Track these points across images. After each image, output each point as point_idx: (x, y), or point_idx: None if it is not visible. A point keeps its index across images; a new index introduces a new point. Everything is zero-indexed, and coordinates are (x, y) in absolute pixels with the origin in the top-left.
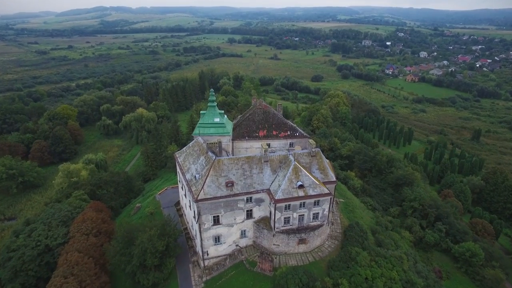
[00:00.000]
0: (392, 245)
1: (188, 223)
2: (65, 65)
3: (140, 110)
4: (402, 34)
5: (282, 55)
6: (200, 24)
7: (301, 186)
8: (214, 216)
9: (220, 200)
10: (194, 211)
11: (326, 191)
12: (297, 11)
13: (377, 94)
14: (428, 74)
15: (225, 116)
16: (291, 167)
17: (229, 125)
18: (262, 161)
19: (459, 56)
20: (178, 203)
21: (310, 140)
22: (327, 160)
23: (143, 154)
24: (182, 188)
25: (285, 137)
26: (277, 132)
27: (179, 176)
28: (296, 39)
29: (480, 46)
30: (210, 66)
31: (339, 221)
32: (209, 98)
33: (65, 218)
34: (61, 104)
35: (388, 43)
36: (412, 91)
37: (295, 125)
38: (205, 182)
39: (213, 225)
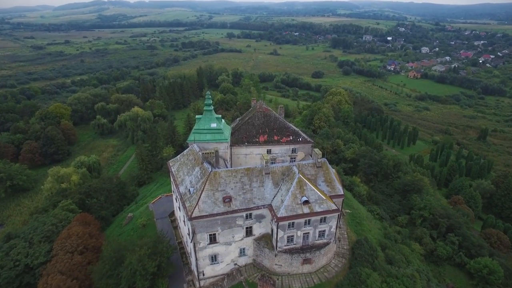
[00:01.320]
0: (403, 261)
1: (183, 237)
2: (61, 60)
3: (135, 109)
4: (403, 29)
5: (282, 51)
6: (199, 19)
7: (306, 202)
8: (210, 235)
9: (217, 217)
10: (189, 229)
11: (334, 207)
12: (297, 5)
13: (379, 91)
14: (431, 71)
15: (223, 120)
16: (295, 180)
17: (227, 131)
18: (263, 173)
19: (461, 52)
20: (172, 213)
21: (316, 150)
22: (334, 170)
23: (137, 157)
24: (176, 199)
25: (287, 143)
26: (278, 137)
27: (173, 186)
28: (296, 34)
29: (482, 42)
30: (208, 62)
31: (346, 235)
32: (205, 102)
33: (49, 233)
34: (54, 102)
35: (389, 38)
36: (415, 88)
37: (298, 129)
38: (200, 197)
39: (209, 243)
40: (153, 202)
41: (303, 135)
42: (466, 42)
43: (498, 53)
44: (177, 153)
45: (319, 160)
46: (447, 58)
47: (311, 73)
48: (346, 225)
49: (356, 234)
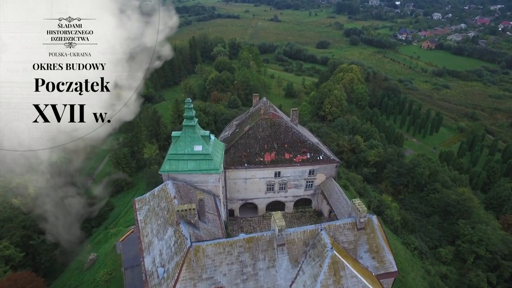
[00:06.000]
0: None
1: None
2: None
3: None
4: None
5: (283, 16)
6: None
7: None
8: None
9: None
10: None
11: None
12: None
13: (391, 64)
14: (446, 40)
15: (212, 136)
16: (327, 260)
17: (219, 152)
18: (274, 246)
19: (477, 18)
20: None
21: (357, 202)
22: (377, 222)
23: (112, 159)
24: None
25: (303, 163)
26: (291, 155)
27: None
28: None
29: (499, 6)
30: (203, 30)
31: None
32: (185, 114)
33: None
34: None
35: (397, 2)
36: (431, 61)
37: (317, 140)
38: None
39: None
40: (122, 240)
41: (325, 151)
42: (481, 7)
43: None
44: (161, 149)
45: (361, 220)
46: (463, 25)
47: (316, 42)
48: None
49: None
